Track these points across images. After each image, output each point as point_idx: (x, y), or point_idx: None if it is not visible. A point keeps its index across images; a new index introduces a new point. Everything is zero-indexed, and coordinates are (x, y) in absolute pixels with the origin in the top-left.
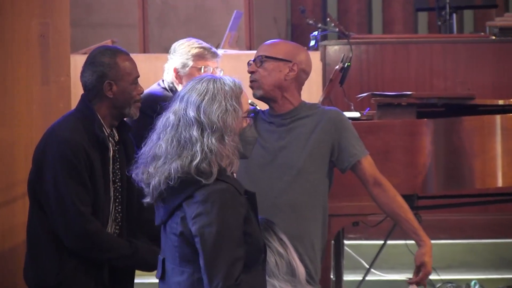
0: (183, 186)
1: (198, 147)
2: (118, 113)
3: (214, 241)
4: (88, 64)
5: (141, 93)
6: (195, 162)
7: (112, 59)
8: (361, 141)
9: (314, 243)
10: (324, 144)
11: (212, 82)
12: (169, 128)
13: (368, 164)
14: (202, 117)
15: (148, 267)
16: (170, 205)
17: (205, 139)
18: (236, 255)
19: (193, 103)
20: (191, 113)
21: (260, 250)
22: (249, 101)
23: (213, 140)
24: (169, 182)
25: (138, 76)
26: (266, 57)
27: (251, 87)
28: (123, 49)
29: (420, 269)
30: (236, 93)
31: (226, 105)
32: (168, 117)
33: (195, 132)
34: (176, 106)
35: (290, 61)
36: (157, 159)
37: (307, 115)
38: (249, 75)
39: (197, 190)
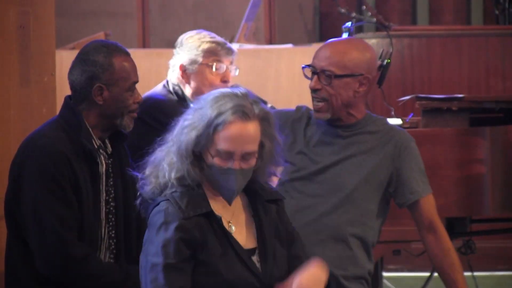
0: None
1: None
2: (108, 123)
3: (144, 271)
4: (78, 61)
5: (139, 102)
6: (151, 186)
7: (107, 58)
8: (426, 175)
9: (366, 276)
10: (383, 169)
11: (215, 100)
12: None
13: (428, 205)
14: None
15: None
16: None
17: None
18: (171, 285)
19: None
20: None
21: (228, 283)
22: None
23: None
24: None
25: (136, 82)
26: (337, 76)
27: (318, 109)
28: (123, 48)
29: None
30: (220, 122)
31: (200, 129)
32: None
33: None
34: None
35: (361, 74)
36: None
37: (371, 131)
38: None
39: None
